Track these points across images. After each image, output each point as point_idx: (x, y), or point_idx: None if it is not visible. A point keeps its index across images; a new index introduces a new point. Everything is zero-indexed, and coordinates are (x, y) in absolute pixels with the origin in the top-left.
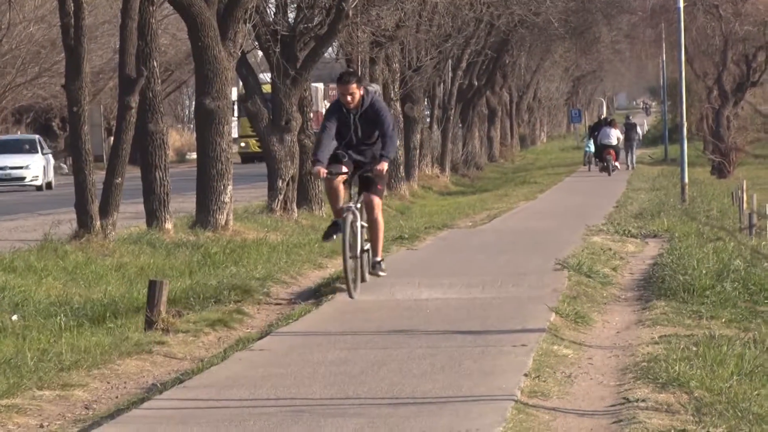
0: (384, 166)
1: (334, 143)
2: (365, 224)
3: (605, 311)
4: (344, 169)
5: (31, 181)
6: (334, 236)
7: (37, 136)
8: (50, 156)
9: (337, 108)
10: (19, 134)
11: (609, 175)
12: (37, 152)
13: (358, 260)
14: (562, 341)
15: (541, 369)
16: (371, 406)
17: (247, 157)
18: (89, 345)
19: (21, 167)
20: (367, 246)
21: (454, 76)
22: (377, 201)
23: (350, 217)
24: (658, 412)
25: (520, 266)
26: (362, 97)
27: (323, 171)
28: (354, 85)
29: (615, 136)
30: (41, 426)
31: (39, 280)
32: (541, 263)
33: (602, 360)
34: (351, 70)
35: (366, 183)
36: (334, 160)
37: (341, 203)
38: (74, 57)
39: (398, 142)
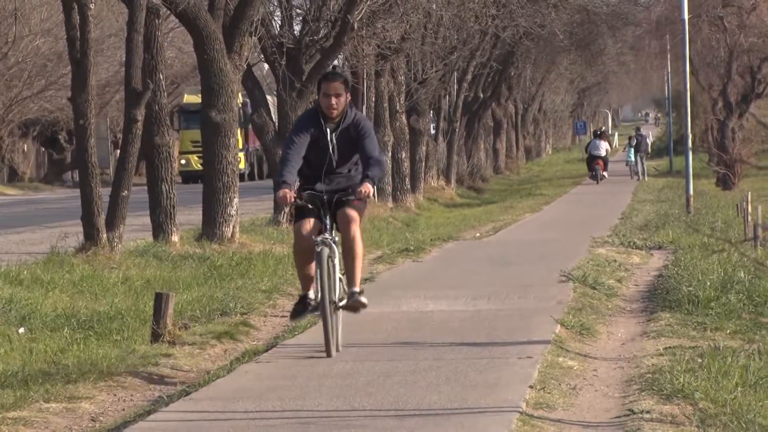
0: (369, 188)
1: (300, 162)
2: (342, 272)
3: (610, 323)
4: (316, 215)
5: None
6: (306, 315)
7: None
8: None
9: (312, 119)
10: None
11: (597, 183)
12: None
13: (333, 308)
14: (567, 353)
15: (546, 381)
16: (377, 418)
17: (188, 176)
18: (96, 357)
19: None
20: (343, 302)
21: (459, 89)
22: (354, 215)
23: (326, 251)
24: (663, 423)
25: (525, 278)
26: (345, 109)
27: (290, 194)
28: (342, 86)
29: (604, 147)
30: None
31: (46, 292)
32: (546, 275)
33: (607, 372)
34: (339, 71)
35: (340, 206)
36: (306, 198)
37: (313, 266)
38: (80, 70)
39: (385, 169)
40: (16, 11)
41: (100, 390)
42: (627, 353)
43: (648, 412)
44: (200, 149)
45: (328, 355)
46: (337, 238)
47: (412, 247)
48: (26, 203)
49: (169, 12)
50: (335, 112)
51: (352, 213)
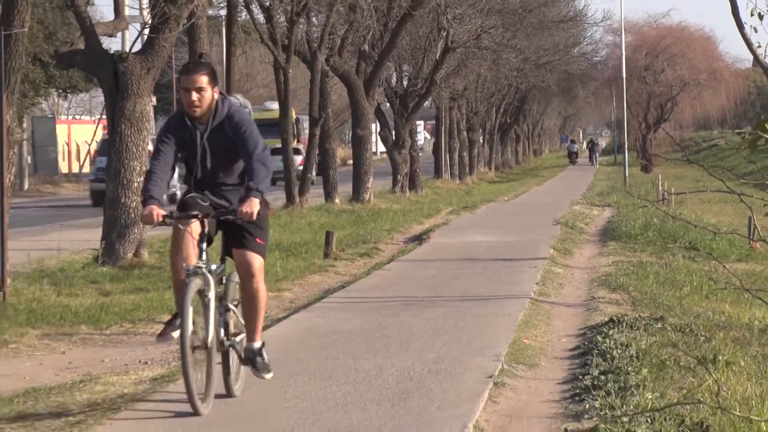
0: (253, 206)
1: (169, 174)
2: (234, 302)
3: (581, 247)
4: (198, 220)
5: None
6: (174, 334)
7: None
8: None
9: (178, 121)
10: None
11: (573, 165)
12: None
13: (212, 354)
14: (556, 264)
15: (545, 280)
16: (450, 300)
17: None
18: (293, 267)
19: None
20: (241, 336)
21: (496, 116)
22: (257, 262)
23: (195, 283)
24: (611, 304)
25: (533, 223)
26: (216, 104)
27: (158, 212)
28: (205, 78)
29: (577, 147)
30: (265, 313)
31: None
32: (545, 221)
33: (579, 275)
34: (204, 60)
35: (235, 235)
36: (185, 207)
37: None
38: (284, 107)
39: (271, 171)
40: (248, 74)
41: (295, 285)
42: (590, 265)
43: (602, 297)
44: None
45: (195, 411)
46: (214, 266)
47: (469, 205)
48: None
49: (333, 74)
50: (198, 111)
51: (255, 261)
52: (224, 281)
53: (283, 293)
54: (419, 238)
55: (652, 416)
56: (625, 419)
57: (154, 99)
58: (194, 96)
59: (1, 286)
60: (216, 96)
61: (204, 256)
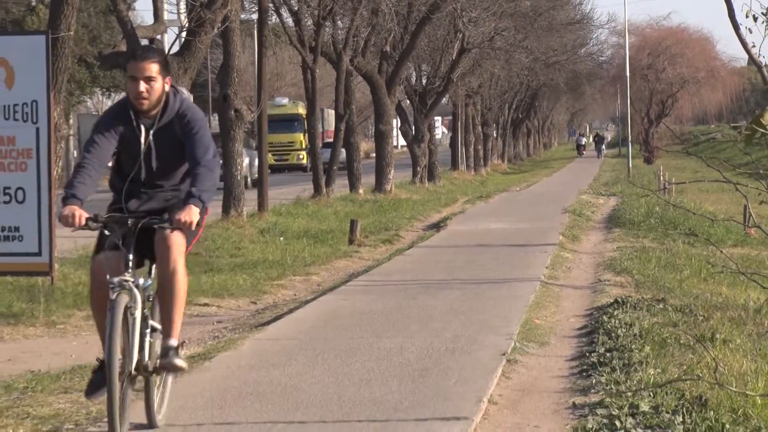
0: (192, 215)
1: (101, 172)
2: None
3: (588, 234)
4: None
5: None
6: (100, 391)
7: None
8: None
9: (120, 113)
10: None
11: (581, 156)
12: None
13: (131, 382)
14: (565, 250)
15: (554, 264)
16: (466, 284)
17: None
18: (320, 253)
19: None
20: (167, 356)
21: (509, 112)
22: (176, 238)
23: (122, 300)
24: (615, 286)
25: (543, 211)
26: (166, 96)
27: (80, 214)
28: (156, 66)
29: (584, 140)
30: (294, 294)
31: (294, 219)
32: (555, 209)
33: (586, 259)
34: (155, 46)
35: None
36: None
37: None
38: (311, 104)
39: (218, 180)
40: (278, 74)
41: (322, 269)
42: (597, 250)
43: (608, 280)
44: (273, 149)
45: None
46: (141, 281)
47: (484, 195)
48: (289, 177)
49: (357, 74)
50: (145, 104)
51: (174, 237)
52: (151, 299)
53: (311, 277)
54: (437, 226)
55: (654, 391)
56: (629, 394)
57: (191, 97)
58: (142, 86)
59: (49, 271)
60: (167, 88)
61: (131, 269)
